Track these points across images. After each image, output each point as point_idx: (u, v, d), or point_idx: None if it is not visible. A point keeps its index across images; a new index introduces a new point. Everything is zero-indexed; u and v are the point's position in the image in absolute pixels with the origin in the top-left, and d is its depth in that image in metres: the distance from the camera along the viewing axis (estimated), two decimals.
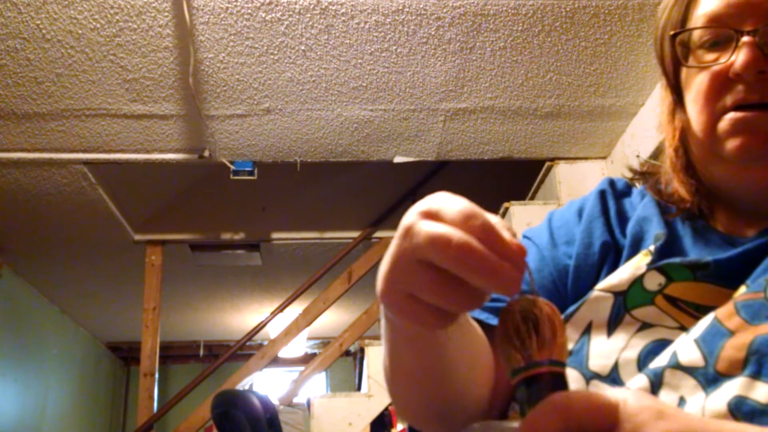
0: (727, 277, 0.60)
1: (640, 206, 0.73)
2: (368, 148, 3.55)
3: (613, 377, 0.59)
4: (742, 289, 0.57)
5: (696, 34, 0.67)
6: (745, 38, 0.63)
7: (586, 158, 3.70)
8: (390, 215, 4.53)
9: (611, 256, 0.70)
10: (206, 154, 3.44)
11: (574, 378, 0.61)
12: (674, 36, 0.69)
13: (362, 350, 4.14)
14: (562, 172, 3.69)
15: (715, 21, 0.65)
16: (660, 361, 0.55)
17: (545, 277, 0.72)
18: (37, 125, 3.16)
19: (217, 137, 3.35)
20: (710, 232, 0.68)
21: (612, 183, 0.78)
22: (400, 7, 2.60)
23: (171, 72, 2.86)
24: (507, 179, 4.39)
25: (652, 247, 0.65)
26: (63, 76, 2.84)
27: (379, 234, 4.58)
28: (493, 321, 0.65)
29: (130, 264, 4.71)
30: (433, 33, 2.73)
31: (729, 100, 0.64)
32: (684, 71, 0.69)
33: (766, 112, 0.62)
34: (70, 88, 2.91)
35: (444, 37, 2.76)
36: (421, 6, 2.60)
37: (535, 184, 3.93)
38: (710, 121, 0.65)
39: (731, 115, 0.63)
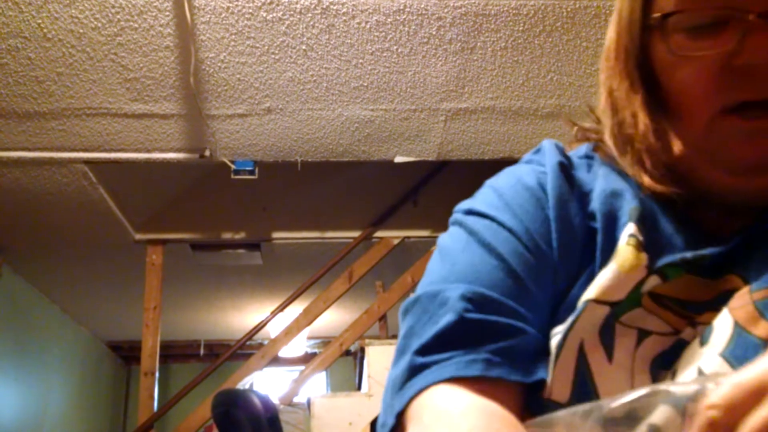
0: (711, 268, 0.53)
1: (601, 177, 0.61)
2: (369, 147, 3.55)
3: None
4: (737, 281, 0.51)
5: (674, 17, 0.54)
6: (754, 20, 0.50)
7: None
8: (390, 215, 4.52)
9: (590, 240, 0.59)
10: (207, 153, 3.44)
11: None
12: (664, 17, 0.54)
13: (362, 350, 4.13)
14: None
15: (708, 1, 0.52)
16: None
17: None
18: (37, 124, 3.16)
19: (218, 137, 3.35)
20: (687, 220, 0.58)
21: (562, 150, 0.65)
22: (401, 7, 2.60)
23: (172, 71, 2.86)
24: None
25: (633, 230, 0.54)
26: (64, 75, 2.84)
27: (379, 234, 4.57)
28: (514, 376, 0.52)
29: (130, 263, 4.71)
30: (434, 33, 2.73)
31: (734, 96, 0.52)
32: (659, 63, 0.57)
33: None
34: (71, 87, 2.91)
35: (445, 37, 2.76)
36: (422, 6, 2.60)
37: None
38: (708, 121, 0.53)
39: (740, 121, 0.52)
